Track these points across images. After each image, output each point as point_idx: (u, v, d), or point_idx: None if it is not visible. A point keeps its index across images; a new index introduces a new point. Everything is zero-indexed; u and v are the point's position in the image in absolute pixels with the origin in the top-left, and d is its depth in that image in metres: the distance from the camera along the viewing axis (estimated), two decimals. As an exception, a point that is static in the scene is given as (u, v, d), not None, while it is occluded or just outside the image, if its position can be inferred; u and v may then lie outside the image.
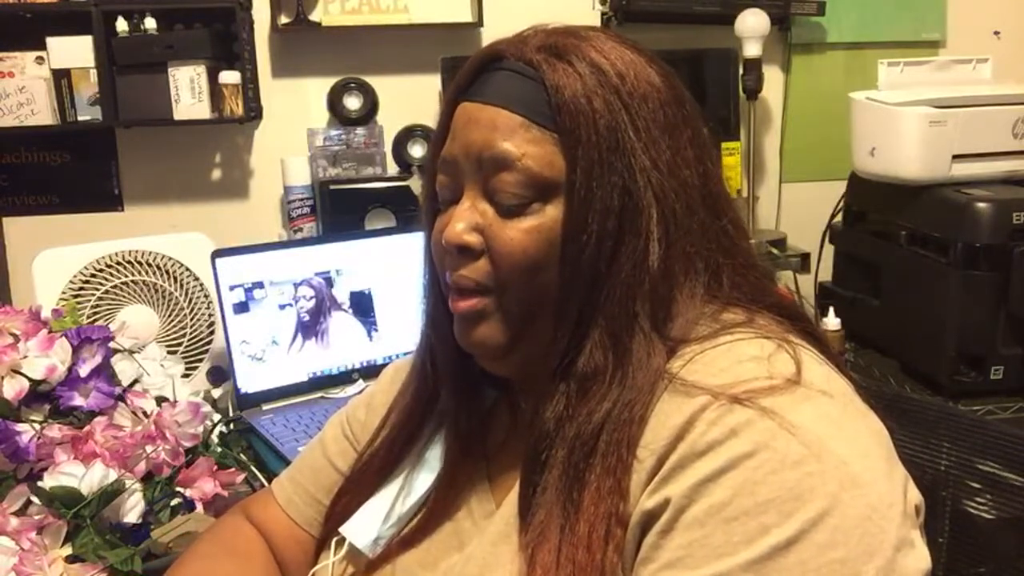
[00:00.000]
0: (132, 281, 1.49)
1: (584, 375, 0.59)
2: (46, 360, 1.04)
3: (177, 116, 1.87)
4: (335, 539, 0.73)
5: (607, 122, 0.60)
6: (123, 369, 1.13)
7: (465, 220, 0.63)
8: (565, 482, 0.58)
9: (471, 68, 0.66)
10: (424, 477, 0.72)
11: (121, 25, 1.83)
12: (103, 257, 1.48)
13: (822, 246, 2.05)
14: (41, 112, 1.85)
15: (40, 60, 1.86)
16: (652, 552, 0.54)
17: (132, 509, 1.00)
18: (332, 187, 1.96)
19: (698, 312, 0.61)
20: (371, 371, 1.56)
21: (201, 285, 1.52)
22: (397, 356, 1.56)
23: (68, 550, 0.93)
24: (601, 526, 0.55)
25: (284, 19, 1.99)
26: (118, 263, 1.48)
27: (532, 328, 0.63)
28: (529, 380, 0.65)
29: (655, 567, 0.53)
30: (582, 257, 0.60)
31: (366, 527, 0.71)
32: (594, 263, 0.60)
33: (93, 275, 1.47)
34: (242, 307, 1.46)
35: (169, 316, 1.50)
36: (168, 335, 1.50)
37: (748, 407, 0.54)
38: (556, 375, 0.60)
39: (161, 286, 1.50)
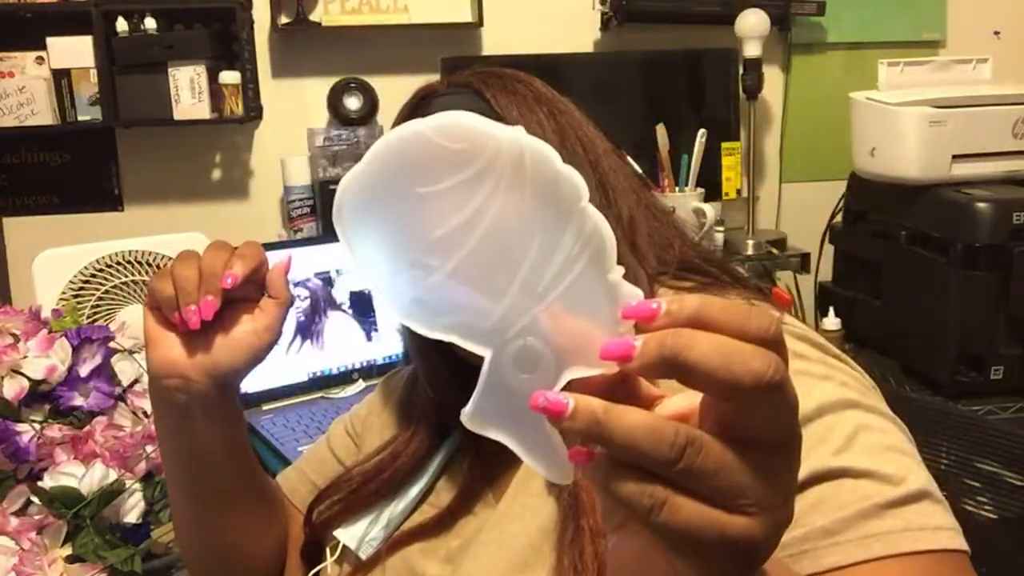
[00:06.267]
0: (132, 281, 1.49)
1: None
2: (46, 360, 1.04)
3: (177, 116, 1.88)
4: (330, 544, 0.76)
5: (535, 95, 0.68)
6: (123, 369, 1.13)
7: None
8: None
9: (406, 108, 0.73)
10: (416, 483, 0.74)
11: (121, 25, 1.83)
12: (103, 257, 1.48)
13: (822, 246, 2.05)
14: (41, 112, 1.85)
15: (40, 60, 1.86)
16: None
17: (132, 509, 1.00)
18: (332, 187, 1.95)
19: None
20: (371, 371, 1.56)
21: (201, 285, 1.51)
22: (397, 356, 1.56)
23: (68, 550, 0.93)
24: None
25: (284, 19, 1.99)
26: (118, 263, 1.48)
27: None
28: None
29: None
30: None
31: (357, 529, 0.74)
32: None
33: (93, 275, 1.47)
34: (242, 307, 1.46)
35: (169, 316, 1.50)
36: (168, 335, 1.49)
37: None
38: None
39: (161, 286, 1.49)
